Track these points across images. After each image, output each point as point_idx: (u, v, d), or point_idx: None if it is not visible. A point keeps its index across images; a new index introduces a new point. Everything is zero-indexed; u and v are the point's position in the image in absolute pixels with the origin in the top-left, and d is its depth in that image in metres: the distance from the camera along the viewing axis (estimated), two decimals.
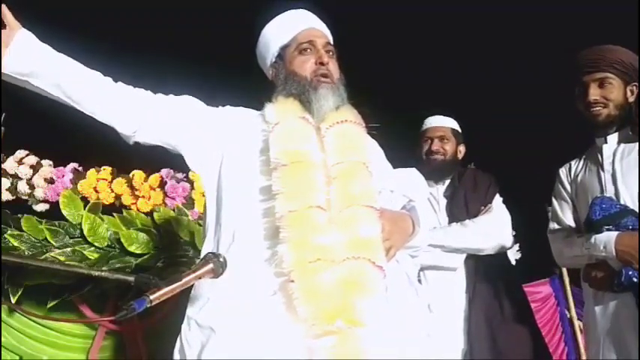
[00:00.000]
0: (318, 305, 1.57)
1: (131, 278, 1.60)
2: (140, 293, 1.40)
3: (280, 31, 1.98)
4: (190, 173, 3.45)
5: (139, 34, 4.37)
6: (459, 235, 2.85)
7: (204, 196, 3.37)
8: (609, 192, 2.39)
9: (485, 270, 2.87)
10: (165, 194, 3.35)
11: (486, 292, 2.84)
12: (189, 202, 3.39)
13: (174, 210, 3.30)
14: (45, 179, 3.20)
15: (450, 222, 2.96)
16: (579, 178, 2.55)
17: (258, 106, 1.94)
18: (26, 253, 2.90)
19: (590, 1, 3.92)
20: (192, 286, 1.63)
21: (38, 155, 3.27)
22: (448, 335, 2.68)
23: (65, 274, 2.90)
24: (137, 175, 3.34)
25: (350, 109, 1.86)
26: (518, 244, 3.68)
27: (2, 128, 2.77)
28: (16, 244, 2.91)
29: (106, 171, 3.33)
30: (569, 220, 2.56)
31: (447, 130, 3.13)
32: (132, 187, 3.31)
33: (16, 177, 3.17)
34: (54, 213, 3.12)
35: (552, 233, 2.61)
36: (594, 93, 2.43)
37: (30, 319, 2.92)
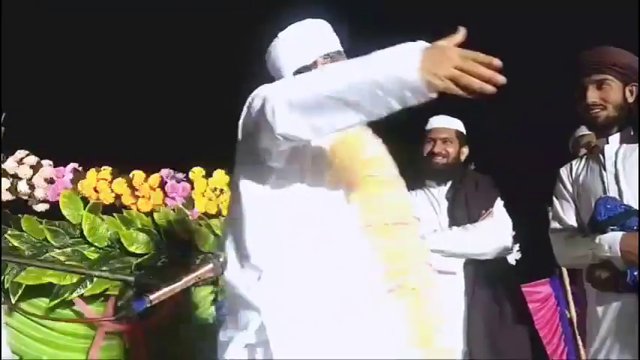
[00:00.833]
0: (430, 311, 1.62)
1: (131, 278, 1.60)
2: (140, 293, 1.39)
3: (320, 38, 1.92)
4: (191, 173, 3.46)
5: None
6: (459, 241, 2.84)
7: (204, 196, 3.42)
8: (612, 192, 2.37)
9: (484, 272, 2.86)
10: (166, 194, 3.35)
11: (486, 295, 2.82)
12: (189, 202, 3.39)
13: (174, 210, 3.30)
14: (45, 179, 3.20)
15: (451, 224, 2.94)
16: (581, 179, 2.54)
17: None
18: (26, 253, 2.91)
19: (589, 1, 3.93)
20: (192, 286, 1.61)
21: (38, 155, 3.26)
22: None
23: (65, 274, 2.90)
24: (137, 175, 3.34)
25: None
26: (517, 245, 3.68)
27: (2, 128, 2.77)
28: (16, 244, 2.92)
29: (106, 171, 3.33)
30: (570, 219, 2.55)
31: (452, 132, 3.09)
32: (132, 187, 3.31)
33: (16, 177, 3.16)
34: (54, 213, 3.12)
35: (554, 233, 2.59)
36: (593, 95, 2.42)
37: (30, 319, 2.92)
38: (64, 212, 3.08)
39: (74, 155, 3.38)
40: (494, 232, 2.89)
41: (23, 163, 3.18)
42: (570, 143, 3.41)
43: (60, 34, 4.20)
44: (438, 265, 2.70)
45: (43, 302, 2.95)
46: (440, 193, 3.03)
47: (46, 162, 3.25)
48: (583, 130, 3.23)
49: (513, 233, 3.00)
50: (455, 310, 2.76)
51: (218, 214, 3.43)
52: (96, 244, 3.06)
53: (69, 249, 3.01)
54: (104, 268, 3.00)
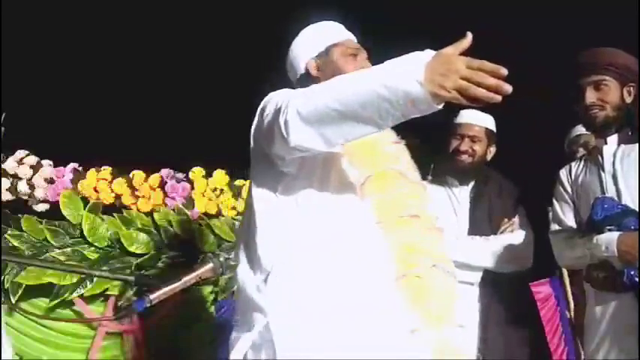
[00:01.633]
0: (425, 306, 1.62)
1: (131, 278, 1.60)
2: (140, 293, 1.40)
3: (333, 31, 1.97)
4: (191, 173, 3.46)
5: None
6: (480, 254, 2.74)
7: (204, 196, 3.43)
8: (610, 193, 2.37)
9: (500, 279, 2.80)
10: (166, 194, 3.35)
11: (502, 301, 2.77)
12: (189, 202, 3.39)
13: (174, 210, 3.30)
14: (45, 179, 3.20)
15: (471, 226, 2.85)
16: (580, 180, 2.54)
17: None
18: (26, 253, 2.91)
19: (590, 2, 3.93)
20: (192, 285, 1.60)
21: (38, 155, 3.27)
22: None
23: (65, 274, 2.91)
24: (137, 175, 3.34)
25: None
26: None
27: (2, 128, 2.78)
28: (16, 244, 2.92)
29: (106, 171, 3.34)
30: (570, 221, 2.55)
31: (481, 130, 2.93)
32: (132, 187, 3.31)
33: (16, 177, 3.17)
34: (54, 213, 3.13)
35: (554, 234, 2.60)
36: (590, 96, 2.41)
37: (30, 319, 2.92)
38: (64, 212, 3.09)
39: (74, 155, 3.38)
40: (516, 250, 2.80)
41: (23, 163, 3.18)
42: (566, 143, 3.40)
43: (60, 33, 4.20)
44: (457, 275, 2.66)
45: (43, 302, 2.96)
46: (462, 192, 2.92)
47: (46, 162, 3.26)
48: (579, 130, 3.21)
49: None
50: (469, 320, 2.69)
51: (218, 214, 3.43)
52: (96, 244, 3.07)
53: (69, 249, 3.02)
54: (104, 268, 3.00)
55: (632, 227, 2.26)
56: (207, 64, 4.51)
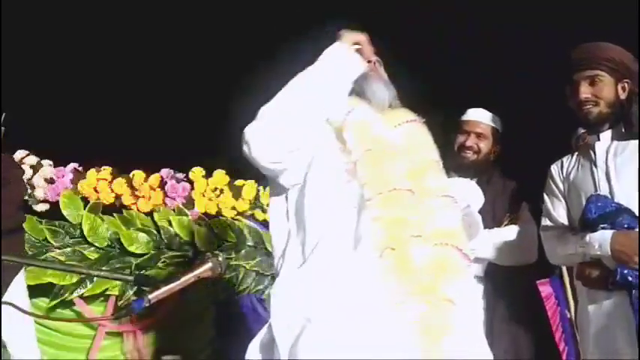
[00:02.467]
0: (409, 279, 1.62)
1: (131, 278, 1.60)
2: (140, 293, 1.40)
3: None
4: (190, 173, 3.46)
5: None
6: (482, 245, 2.70)
7: (204, 196, 3.43)
8: (603, 190, 2.37)
9: (505, 274, 2.78)
10: (166, 194, 3.35)
11: (508, 296, 2.76)
12: (189, 202, 3.39)
13: (174, 210, 3.30)
14: (45, 179, 3.20)
15: None
16: (572, 176, 2.53)
17: None
18: (26, 253, 2.91)
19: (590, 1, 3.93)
20: (195, 285, 1.61)
21: (38, 155, 3.26)
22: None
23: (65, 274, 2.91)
24: (137, 175, 3.34)
25: (408, 111, 1.94)
26: None
27: (2, 128, 2.78)
28: None
29: (106, 171, 3.34)
30: (561, 217, 2.54)
31: (487, 128, 2.98)
32: (132, 187, 3.31)
33: None
34: (54, 213, 3.12)
35: (545, 231, 2.59)
36: (585, 91, 2.41)
37: (32, 320, 2.92)
38: (64, 212, 3.09)
39: (74, 155, 3.38)
40: (519, 242, 2.80)
41: (23, 163, 3.18)
42: (573, 140, 3.39)
43: (60, 33, 4.20)
44: None
45: (43, 302, 2.95)
46: None
47: (46, 162, 3.25)
48: None
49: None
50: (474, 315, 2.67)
51: (218, 214, 3.43)
52: (96, 244, 3.07)
53: (69, 249, 3.02)
54: (104, 268, 3.00)
55: (626, 226, 2.26)
56: (208, 65, 4.51)
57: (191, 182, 3.43)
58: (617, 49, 2.44)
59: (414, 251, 1.66)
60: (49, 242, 3.00)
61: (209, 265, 1.49)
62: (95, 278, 2.97)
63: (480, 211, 2.79)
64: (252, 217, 3.49)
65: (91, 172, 3.31)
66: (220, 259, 1.50)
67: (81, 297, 3.01)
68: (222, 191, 3.45)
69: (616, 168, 2.36)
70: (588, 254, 2.33)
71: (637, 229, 2.24)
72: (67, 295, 2.95)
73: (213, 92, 4.48)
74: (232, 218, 3.43)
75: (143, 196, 3.30)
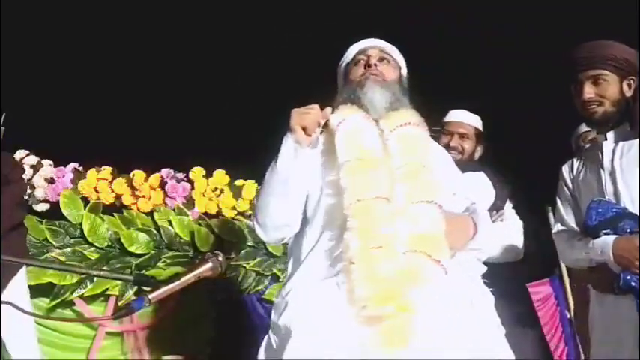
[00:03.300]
0: (374, 288, 1.67)
1: (131, 278, 1.59)
2: (140, 292, 1.40)
3: (346, 55, 2.18)
4: (191, 173, 3.46)
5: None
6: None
7: (204, 196, 3.42)
8: (609, 191, 2.34)
9: (492, 271, 2.80)
10: (166, 194, 3.35)
11: (496, 298, 2.78)
12: (190, 202, 3.39)
13: (174, 210, 3.30)
14: (45, 179, 3.20)
15: None
16: (581, 176, 2.50)
17: None
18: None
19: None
20: (195, 285, 1.62)
21: (38, 155, 3.27)
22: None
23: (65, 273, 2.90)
24: (137, 175, 3.34)
25: (412, 112, 1.97)
26: None
27: (2, 128, 2.77)
28: None
29: (107, 171, 3.34)
30: (571, 220, 2.52)
31: (470, 129, 3.03)
32: (132, 187, 3.31)
33: None
34: (54, 213, 3.12)
35: (556, 234, 2.58)
36: (589, 91, 2.38)
37: (33, 320, 2.92)
38: (65, 212, 3.08)
39: (74, 155, 3.38)
40: (504, 238, 2.81)
41: (24, 163, 3.18)
42: (573, 140, 3.37)
43: (60, 33, 4.20)
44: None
45: (43, 302, 2.95)
46: None
47: (46, 162, 3.26)
48: (586, 127, 3.19)
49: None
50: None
51: (218, 214, 3.43)
52: (96, 244, 3.07)
53: (69, 249, 3.02)
54: (104, 268, 3.00)
55: (628, 230, 2.25)
56: (208, 65, 4.51)
57: (191, 182, 3.43)
58: (621, 46, 2.40)
59: (382, 261, 1.70)
60: (49, 242, 2.99)
61: (209, 264, 1.49)
62: (95, 278, 2.97)
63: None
64: (252, 217, 3.49)
65: (92, 172, 3.31)
66: (220, 258, 1.50)
67: (81, 297, 3.01)
68: (222, 191, 3.45)
69: (621, 169, 2.34)
70: (594, 259, 2.33)
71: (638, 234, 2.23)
72: (67, 295, 2.95)
73: (214, 92, 4.48)
74: (232, 218, 3.43)
75: (143, 196, 3.30)
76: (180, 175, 3.45)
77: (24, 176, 3.10)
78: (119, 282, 2.98)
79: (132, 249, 3.08)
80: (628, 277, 2.22)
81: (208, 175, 3.48)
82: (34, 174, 3.19)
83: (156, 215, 3.24)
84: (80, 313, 3.03)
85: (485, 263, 2.70)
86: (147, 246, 3.12)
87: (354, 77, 2.06)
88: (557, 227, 2.59)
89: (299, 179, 1.88)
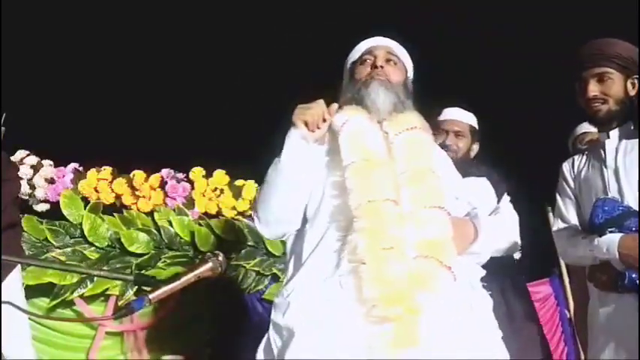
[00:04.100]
0: (383, 289, 1.66)
1: (131, 278, 1.59)
2: (140, 292, 1.40)
3: (353, 53, 2.16)
4: (191, 173, 3.46)
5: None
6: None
7: (204, 196, 3.42)
8: (612, 189, 2.33)
9: (489, 269, 2.79)
10: (166, 194, 3.36)
11: (493, 292, 2.77)
12: (190, 202, 3.39)
13: (174, 210, 3.30)
14: (45, 179, 3.20)
15: None
16: (582, 174, 2.49)
17: None
18: (26, 253, 2.91)
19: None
20: (195, 285, 1.62)
21: (39, 155, 3.27)
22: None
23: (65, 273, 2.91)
24: (137, 175, 3.34)
25: (416, 114, 1.97)
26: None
27: (2, 128, 2.77)
28: None
29: (107, 171, 3.34)
30: (573, 218, 2.51)
31: (465, 126, 2.98)
32: (132, 187, 3.32)
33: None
34: (54, 213, 3.13)
35: (557, 232, 2.57)
36: (593, 89, 2.36)
37: (30, 319, 2.92)
38: (65, 212, 3.09)
39: (75, 155, 3.39)
40: (500, 231, 2.74)
41: (24, 163, 3.19)
42: (570, 141, 3.37)
43: (60, 33, 4.20)
44: None
45: (43, 302, 2.95)
46: None
47: (46, 162, 3.26)
48: (585, 128, 3.17)
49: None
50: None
51: (218, 214, 3.43)
52: (96, 244, 3.07)
53: (69, 249, 3.02)
54: (104, 268, 3.00)
55: (634, 229, 2.23)
56: (208, 65, 4.51)
57: (191, 182, 3.44)
58: (626, 45, 2.39)
59: (392, 262, 1.69)
60: (49, 242, 3.00)
61: (209, 265, 1.49)
62: (95, 278, 2.97)
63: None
64: (252, 217, 3.49)
65: (92, 172, 3.31)
66: (220, 258, 1.50)
67: (81, 297, 3.01)
68: (222, 191, 3.46)
69: (625, 167, 2.32)
70: (598, 257, 2.32)
71: None
72: (67, 294, 2.95)
73: (214, 92, 4.48)
74: (232, 218, 3.43)
75: (143, 196, 3.30)
76: (180, 175, 3.45)
77: (21, 175, 3.11)
78: (119, 282, 2.98)
79: (132, 249, 3.08)
80: (634, 276, 2.22)
81: (208, 175, 3.48)
82: (34, 174, 3.20)
83: (156, 215, 3.24)
84: (80, 313, 3.03)
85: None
86: (147, 246, 3.12)
87: (359, 77, 2.04)
88: (557, 225, 2.57)
89: (303, 175, 1.87)
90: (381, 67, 2.02)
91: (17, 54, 3.92)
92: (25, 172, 3.17)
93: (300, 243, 1.89)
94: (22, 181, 3.14)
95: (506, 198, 2.90)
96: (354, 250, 1.72)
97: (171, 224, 3.22)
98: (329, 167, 1.90)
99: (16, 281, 2.28)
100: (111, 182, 3.32)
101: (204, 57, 4.48)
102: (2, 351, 2.15)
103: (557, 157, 2.73)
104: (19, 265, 2.30)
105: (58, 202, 3.13)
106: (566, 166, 2.58)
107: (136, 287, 2.97)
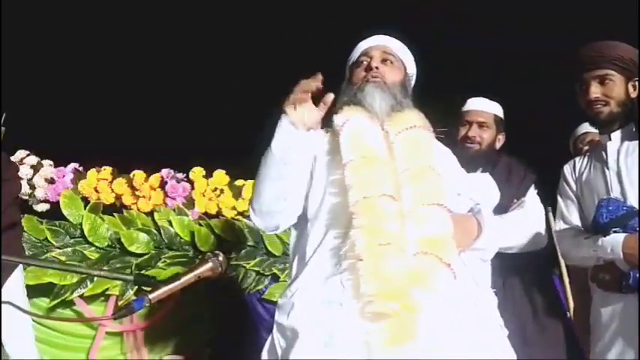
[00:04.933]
0: (380, 285, 1.65)
1: (131, 278, 1.59)
2: (140, 292, 1.40)
3: (352, 54, 2.16)
4: (191, 173, 3.46)
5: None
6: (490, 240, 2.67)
7: (204, 196, 3.43)
8: (615, 191, 2.34)
9: (515, 266, 2.69)
10: (166, 194, 3.36)
11: (517, 289, 2.71)
12: (190, 202, 3.39)
13: (174, 210, 3.30)
14: (45, 179, 3.20)
15: None
16: (584, 176, 2.49)
17: None
18: (26, 253, 2.91)
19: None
20: (195, 285, 1.63)
21: (39, 155, 3.27)
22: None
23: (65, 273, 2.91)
24: (137, 175, 3.35)
25: (417, 112, 1.97)
26: None
27: (2, 128, 2.78)
28: None
29: (107, 171, 3.34)
30: (575, 219, 2.51)
31: (489, 117, 2.91)
32: (132, 187, 3.32)
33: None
34: (54, 213, 3.13)
35: (559, 233, 2.57)
36: (595, 91, 2.37)
37: (30, 319, 2.92)
38: (65, 212, 3.09)
39: (75, 155, 3.39)
40: (524, 224, 2.72)
41: (24, 163, 3.19)
42: (571, 141, 3.36)
43: (60, 33, 4.20)
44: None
45: (43, 302, 2.96)
46: None
47: (46, 162, 3.26)
48: (585, 128, 3.16)
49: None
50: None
51: (218, 214, 3.43)
52: (96, 244, 3.07)
53: (69, 249, 3.02)
54: (104, 268, 3.00)
55: (637, 229, 2.23)
56: (208, 65, 4.51)
57: (191, 182, 3.44)
58: (627, 47, 2.40)
59: (389, 258, 1.69)
60: (49, 242, 3.00)
61: (209, 265, 1.49)
62: (95, 278, 2.98)
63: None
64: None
65: (92, 172, 3.31)
66: (220, 258, 1.50)
67: (81, 297, 3.02)
68: (222, 191, 3.46)
69: (627, 168, 2.33)
70: (601, 257, 2.32)
71: None
72: (67, 294, 2.95)
73: (214, 92, 4.48)
74: (232, 218, 3.43)
75: (143, 196, 3.30)
76: (180, 175, 3.45)
77: (21, 175, 3.11)
78: (119, 282, 2.98)
79: (132, 249, 3.08)
80: (638, 276, 2.22)
81: (208, 175, 3.48)
82: (34, 174, 3.20)
83: (156, 215, 3.24)
84: (80, 313, 3.04)
85: (506, 254, 2.62)
86: (147, 246, 3.13)
87: (356, 80, 2.04)
88: (559, 225, 2.57)
89: (294, 163, 1.86)
90: (376, 68, 2.01)
91: (17, 54, 3.92)
92: (25, 172, 3.17)
93: (303, 243, 1.88)
94: (22, 181, 3.14)
95: (532, 191, 2.84)
96: (352, 247, 1.72)
97: (171, 224, 3.22)
98: (329, 166, 1.89)
99: (17, 281, 2.29)
100: (111, 182, 3.32)
101: (204, 57, 4.48)
102: (7, 350, 2.15)
103: (557, 158, 2.73)
104: (20, 266, 2.31)
105: (58, 202, 3.13)
106: (567, 168, 2.58)
107: (136, 287, 2.98)
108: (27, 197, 3.17)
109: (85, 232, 3.05)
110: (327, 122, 1.98)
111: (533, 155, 3.03)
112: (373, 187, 1.76)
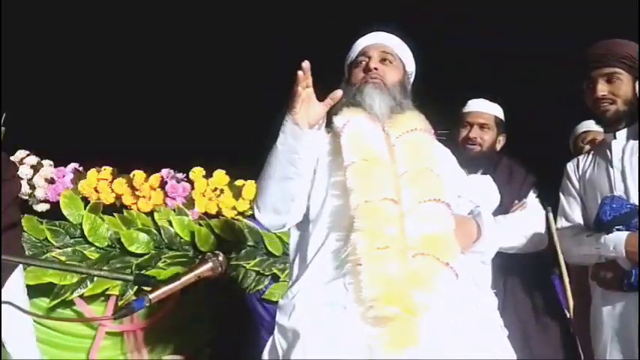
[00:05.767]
0: (380, 289, 1.66)
1: (131, 278, 1.59)
2: (140, 292, 1.40)
3: (350, 53, 2.15)
4: (191, 173, 3.46)
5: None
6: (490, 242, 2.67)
7: (204, 196, 3.43)
8: (618, 189, 2.34)
9: (515, 266, 2.71)
10: (166, 194, 3.36)
11: (518, 289, 2.72)
12: (190, 202, 3.39)
13: (174, 210, 3.30)
14: (45, 179, 3.20)
15: None
16: (587, 175, 2.49)
17: None
18: (26, 253, 2.91)
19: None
20: (195, 285, 1.63)
21: (39, 155, 3.27)
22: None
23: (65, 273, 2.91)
24: (137, 175, 3.35)
25: (417, 114, 1.97)
26: None
27: (2, 128, 2.78)
28: None
29: (107, 171, 3.34)
30: (577, 217, 2.51)
31: (490, 118, 2.92)
32: (132, 187, 3.32)
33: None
34: (54, 213, 3.13)
35: (561, 230, 2.56)
36: (602, 89, 2.36)
37: (31, 319, 2.92)
38: (65, 212, 3.09)
39: (75, 155, 3.38)
40: (525, 226, 2.73)
41: (24, 163, 3.19)
42: (571, 140, 3.35)
43: (60, 33, 4.20)
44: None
45: (43, 302, 2.96)
46: None
47: (46, 162, 3.26)
48: (586, 126, 3.15)
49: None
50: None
51: (218, 214, 3.43)
52: (96, 244, 3.07)
53: (69, 249, 3.02)
54: (104, 268, 3.00)
55: None
56: (208, 65, 4.51)
57: (191, 182, 3.44)
58: (635, 46, 2.39)
59: (389, 262, 1.69)
60: (49, 242, 3.00)
61: (209, 264, 1.49)
62: (95, 278, 2.98)
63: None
64: (252, 217, 3.50)
65: (92, 172, 3.31)
66: (220, 258, 1.50)
67: (81, 297, 3.02)
68: (222, 191, 3.46)
69: (632, 167, 2.32)
70: (603, 255, 2.32)
71: None
72: (67, 294, 2.95)
73: (214, 92, 4.48)
74: (232, 218, 3.43)
75: (143, 196, 3.30)
76: (180, 175, 3.45)
77: (21, 175, 3.11)
78: (119, 282, 2.98)
79: (132, 249, 3.08)
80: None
81: (208, 175, 3.48)
82: (34, 174, 3.20)
83: (156, 215, 3.24)
84: (80, 313, 3.04)
85: (506, 254, 2.64)
86: (147, 246, 3.13)
87: (354, 80, 2.03)
88: (561, 223, 2.57)
89: (299, 163, 1.85)
90: (375, 68, 2.00)
91: (17, 54, 3.92)
92: (25, 172, 3.17)
93: (305, 244, 1.88)
94: (22, 181, 3.14)
95: (533, 194, 2.84)
96: (353, 251, 1.71)
97: (171, 224, 3.22)
98: (331, 168, 1.89)
99: (18, 281, 2.29)
100: (111, 182, 3.32)
101: (205, 57, 4.48)
102: (8, 350, 2.15)
103: (557, 157, 2.73)
104: (20, 266, 2.31)
105: (58, 202, 3.13)
106: (570, 166, 2.57)
107: (136, 287, 2.98)
108: (27, 197, 3.16)
109: (85, 232, 3.05)
110: (327, 123, 1.98)
111: (533, 155, 3.03)
112: (374, 191, 1.76)
